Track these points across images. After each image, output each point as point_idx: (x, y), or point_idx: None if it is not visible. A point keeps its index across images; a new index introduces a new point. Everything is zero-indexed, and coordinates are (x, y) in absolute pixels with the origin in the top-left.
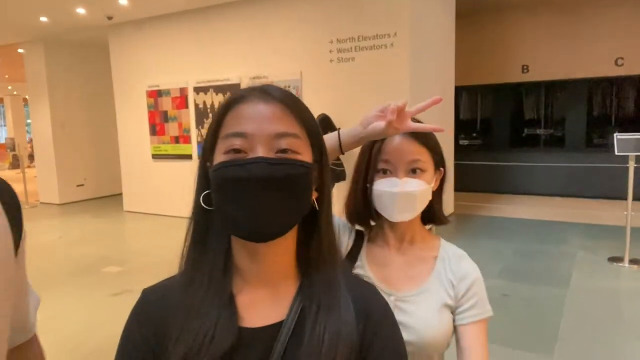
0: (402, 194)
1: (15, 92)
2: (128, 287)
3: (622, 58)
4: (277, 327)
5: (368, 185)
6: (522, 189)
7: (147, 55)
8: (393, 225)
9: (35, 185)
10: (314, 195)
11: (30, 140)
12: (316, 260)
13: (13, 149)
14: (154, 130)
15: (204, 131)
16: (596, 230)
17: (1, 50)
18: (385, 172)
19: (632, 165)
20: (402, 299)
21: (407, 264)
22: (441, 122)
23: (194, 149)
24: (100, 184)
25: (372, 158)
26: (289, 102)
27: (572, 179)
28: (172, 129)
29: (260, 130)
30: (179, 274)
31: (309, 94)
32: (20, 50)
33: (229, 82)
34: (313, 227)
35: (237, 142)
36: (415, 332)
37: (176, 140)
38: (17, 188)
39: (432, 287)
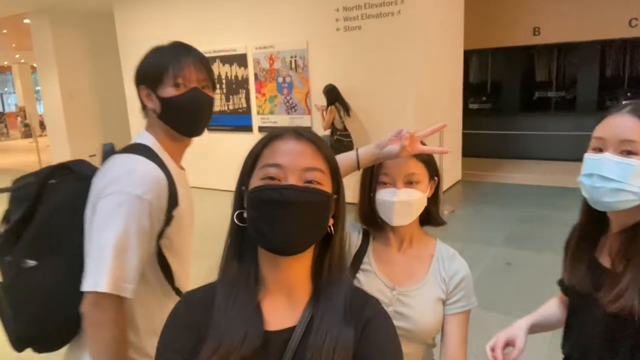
0: (399, 202)
1: (23, 60)
2: None
3: (636, 19)
4: (290, 331)
5: (372, 195)
6: (531, 154)
7: (152, 25)
8: (394, 228)
9: (48, 154)
10: (331, 221)
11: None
12: (327, 275)
13: (24, 118)
14: None
15: None
16: None
17: (7, 20)
18: (385, 184)
19: None
20: (403, 293)
21: (407, 262)
22: (450, 87)
23: None
24: None
25: (375, 172)
26: (317, 142)
27: (582, 142)
28: None
29: (293, 163)
30: (217, 282)
31: (315, 63)
32: (26, 21)
33: (235, 52)
34: (327, 247)
35: (272, 171)
36: (413, 321)
37: None
38: (31, 158)
39: (428, 283)
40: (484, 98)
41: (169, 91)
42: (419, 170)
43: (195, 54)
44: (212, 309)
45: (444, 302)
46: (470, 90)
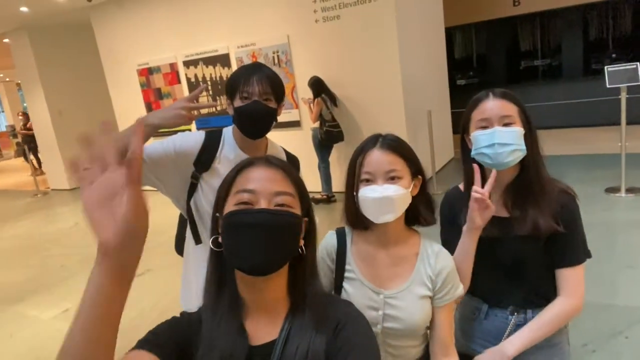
0: (382, 198)
1: (7, 79)
2: (148, 267)
3: None
4: (272, 344)
5: (355, 193)
6: None
7: (132, 33)
8: (379, 227)
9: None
10: (301, 242)
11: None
12: (300, 290)
13: (15, 136)
14: (150, 109)
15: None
16: (593, 161)
17: None
18: (367, 181)
19: (624, 96)
20: (391, 296)
21: (391, 263)
22: (434, 66)
23: (192, 124)
24: None
25: (357, 170)
26: (286, 169)
27: (570, 108)
28: (168, 105)
29: (264, 188)
30: (202, 306)
31: (298, 57)
32: (5, 40)
33: (217, 53)
34: (299, 266)
35: (245, 196)
36: (403, 322)
37: None
38: (25, 177)
39: (414, 283)
40: (471, 73)
41: (237, 102)
42: (399, 166)
43: (264, 71)
44: (202, 330)
45: (431, 298)
46: (457, 66)
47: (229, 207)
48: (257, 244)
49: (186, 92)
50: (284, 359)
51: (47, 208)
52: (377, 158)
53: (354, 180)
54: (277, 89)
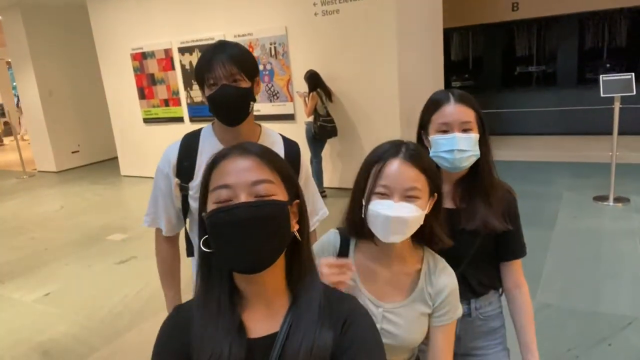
0: (395, 218)
1: None
2: (133, 254)
3: None
4: (273, 337)
5: (364, 203)
6: (513, 129)
7: (128, 16)
8: (384, 245)
9: (31, 152)
10: (295, 227)
11: (19, 107)
12: (299, 280)
13: (3, 115)
14: (143, 94)
15: (192, 93)
16: (583, 169)
17: None
18: (382, 194)
19: (617, 106)
20: (389, 310)
21: (394, 279)
22: (431, 67)
23: (184, 111)
24: (94, 149)
25: (371, 179)
26: (262, 155)
27: (563, 116)
28: (161, 91)
29: (240, 181)
30: (194, 304)
31: (295, 49)
32: None
33: (213, 42)
34: (296, 253)
35: (223, 193)
36: (400, 338)
37: (166, 103)
38: (12, 157)
39: (414, 299)
40: (466, 76)
41: (207, 91)
42: (420, 185)
43: (226, 51)
44: (198, 327)
45: (429, 315)
46: (452, 68)
47: (210, 206)
48: (244, 242)
49: (180, 79)
50: (286, 352)
51: (33, 189)
52: (398, 171)
53: (364, 188)
54: (244, 66)
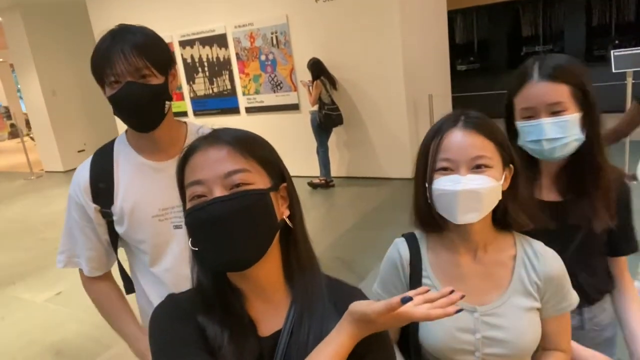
0: (464, 192)
1: (1, 59)
2: None
3: None
4: (277, 334)
5: (427, 185)
6: None
7: (127, 11)
8: (460, 230)
9: (37, 154)
10: (286, 213)
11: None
12: (298, 271)
13: (10, 118)
14: None
15: (195, 87)
16: None
17: None
18: (445, 169)
19: (629, 81)
20: (487, 313)
21: (485, 274)
22: (436, 50)
23: (188, 105)
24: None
25: (431, 156)
26: (235, 142)
27: None
28: None
29: (213, 174)
30: (190, 292)
31: (296, 38)
32: None
33: (214, 33)
34: (291, 241)
35: (197, 189)
36: (510, 345)
37: None
38: (19, 158)
39: (515, 292)
40: (472, 58)
41: (108, 91)
42: (490, 153)
43: (128, 39)
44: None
45: (539, 310)
46: (458, 51)
47: (188, 204)
48: (222, 240)
49: (182, 73)
50: (295, 347)
51: (41, 190)
52: (460, 141)
53: (425, 169)
54: (153, 57)
